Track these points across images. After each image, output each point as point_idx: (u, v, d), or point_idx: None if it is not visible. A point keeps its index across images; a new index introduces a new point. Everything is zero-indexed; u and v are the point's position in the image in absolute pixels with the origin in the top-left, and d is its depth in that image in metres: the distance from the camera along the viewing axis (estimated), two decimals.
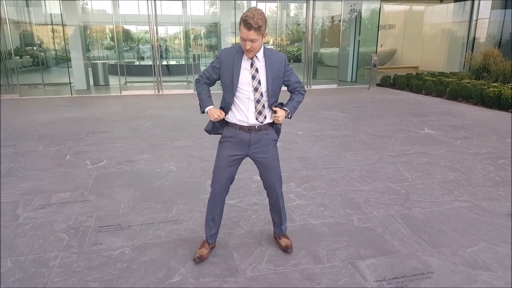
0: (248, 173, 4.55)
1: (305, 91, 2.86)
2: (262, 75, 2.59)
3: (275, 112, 2.66)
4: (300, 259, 2.86)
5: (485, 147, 5.82)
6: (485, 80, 11.39)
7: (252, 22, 2.37)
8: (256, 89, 2.58)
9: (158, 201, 3.90)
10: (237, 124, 2.66)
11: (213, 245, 2.96)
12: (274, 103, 2.69)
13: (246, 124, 2.65)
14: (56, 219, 3.49)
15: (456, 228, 3.33)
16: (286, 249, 2.95)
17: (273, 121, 2.73)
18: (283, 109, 2.69)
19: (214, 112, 2.64)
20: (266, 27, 2.46)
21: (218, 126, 2.75)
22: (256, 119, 2.63)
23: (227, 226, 3.34)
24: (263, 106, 2.63)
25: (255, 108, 2.61)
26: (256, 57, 2.57)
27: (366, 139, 6.27)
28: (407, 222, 3.44)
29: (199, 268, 2.75)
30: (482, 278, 2.63)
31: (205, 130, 2.81)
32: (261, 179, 2.89)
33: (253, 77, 2.57)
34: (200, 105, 2.75)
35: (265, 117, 2.66)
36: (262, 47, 2.58)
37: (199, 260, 2.80)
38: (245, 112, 2.63)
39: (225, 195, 2.83)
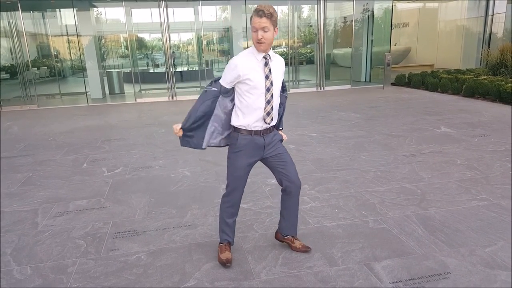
0: (261, 176, 4.56)
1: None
2: (275, 76, 2.59)
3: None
4: (315, 262, 2.85)
5: (503, 144, 5.70)
6: (502, 76, 11.17)
7: (263, 9, 2.39)
8: (268, 90, 2.57)
9: (173, 206, 3.94)
10: (251, 130, 2.65)
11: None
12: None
13: (260, 129, 2.65)
14: (73, 226, 3.56)
15: (474, 228, 3.27)
16: (307, 249, 2.96)
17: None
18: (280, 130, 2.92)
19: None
20: (277, 22, 2.47)
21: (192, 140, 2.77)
22: (264, 120, 2.62)
23: (241, 230, 3.35)
24: (272, 107, 2.63)
25: (265, 109, 2.61)
26: (269, 55, 2.56)
27: (381, 139, 6.21)
28: (423, 222, 3.40)
29: (214, 272, 2.76)
30: (501, 278, 2.58)
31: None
32: (281, 179, 2.78)
33: (267, 77, 2.56)
34: None
35: (272, 119, 2.66)
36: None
37: (230, 263, 2.81)
38: (257, 115, 2.61)
39: None
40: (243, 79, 2.53)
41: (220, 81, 2.62)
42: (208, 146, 2.78)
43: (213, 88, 2.63)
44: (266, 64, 2.55)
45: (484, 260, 2.79)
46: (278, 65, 2.64)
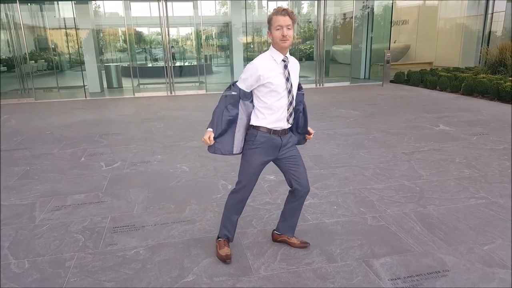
0: None
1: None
2: (293, 77, 2.62)
3: (309, 133, 2.98)
4: (314, 258, 2.85)
5: (501, 142, 5.71)
6: (501, 75, 11.17)
7: (286, 9, 2.45)
8: (289, 91, 2.60)
9: (172, 201, 3.93)
10: (270, 129, 2.64)
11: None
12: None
13: (279, 129, 2.65)
14: (71, 220, 3.55)
15: (472, 226, 3.28)
16: (305, 245, 2.98)
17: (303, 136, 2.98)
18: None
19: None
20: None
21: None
22: (287, 120, 2.65)
23: (240, 226, 3.34)
24: (293, 108, 2.67)
25: (287, 110, 2.63)
26: (287, 57, 2.58)
27: (380, 137, 6.21)
28: (422, 220, 3.40)
29: (212, 268, 2.76)
30: (499, 276, 2.59)
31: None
32: (292, 181, 2.80)
33: (287, 80, 2.57)
34: None
35: (293, 119, 2.72)
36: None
37: (230, 259, 2.81)
38: (278, 116, 2.62)
39: None
40: (264, 82, 2.52)
41: (239, 84, 2.59)
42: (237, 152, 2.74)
43: (233, 93, 2.60)
44: (285, 66, 2.57)
45: (482, 258, 2.79)
46: (294, 67, 2.67)
